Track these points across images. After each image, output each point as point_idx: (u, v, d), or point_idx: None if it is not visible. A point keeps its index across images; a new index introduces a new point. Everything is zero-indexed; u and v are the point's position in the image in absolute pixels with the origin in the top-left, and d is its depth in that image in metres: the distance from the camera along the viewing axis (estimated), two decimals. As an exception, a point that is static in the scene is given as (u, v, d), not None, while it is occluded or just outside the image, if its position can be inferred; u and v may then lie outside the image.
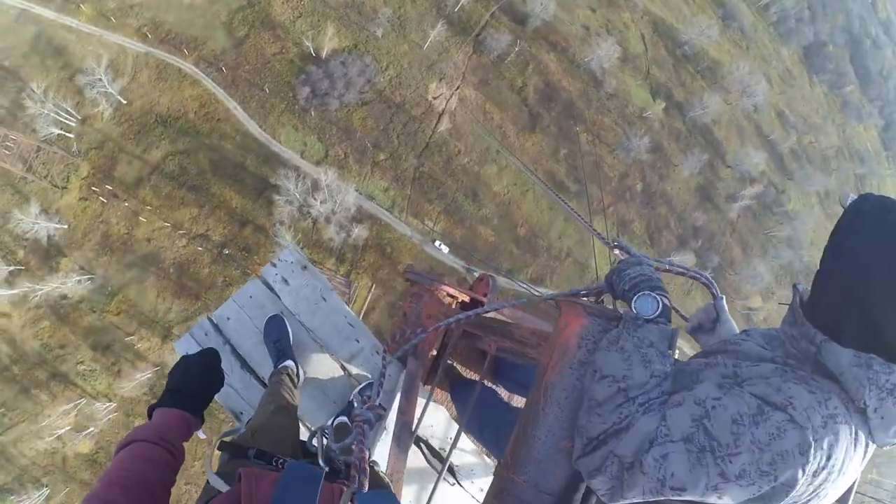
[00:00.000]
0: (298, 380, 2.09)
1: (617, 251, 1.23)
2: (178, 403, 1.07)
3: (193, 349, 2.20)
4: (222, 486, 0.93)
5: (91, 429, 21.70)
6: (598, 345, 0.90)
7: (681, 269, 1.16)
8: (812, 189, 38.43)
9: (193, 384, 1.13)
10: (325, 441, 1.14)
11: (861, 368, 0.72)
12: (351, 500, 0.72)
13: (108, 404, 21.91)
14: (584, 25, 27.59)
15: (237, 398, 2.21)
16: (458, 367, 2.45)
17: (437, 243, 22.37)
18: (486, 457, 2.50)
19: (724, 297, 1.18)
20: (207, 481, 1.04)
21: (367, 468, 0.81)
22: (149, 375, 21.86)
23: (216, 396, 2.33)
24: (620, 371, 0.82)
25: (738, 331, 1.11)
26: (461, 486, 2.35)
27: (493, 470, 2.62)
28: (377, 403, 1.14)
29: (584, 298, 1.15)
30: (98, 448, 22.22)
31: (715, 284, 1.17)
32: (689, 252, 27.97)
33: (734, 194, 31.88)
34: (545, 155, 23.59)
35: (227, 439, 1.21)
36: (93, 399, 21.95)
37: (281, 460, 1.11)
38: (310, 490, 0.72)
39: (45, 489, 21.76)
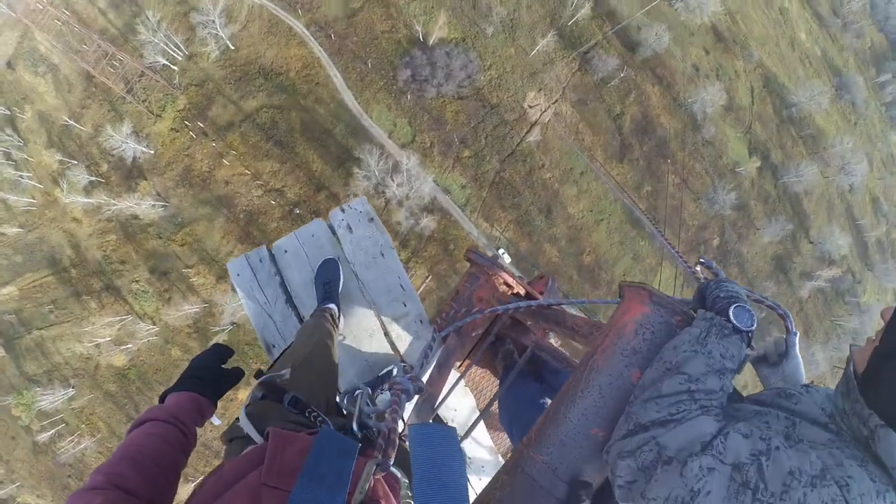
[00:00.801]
0: (338, 325, 2.07)
1: (700, 268, 1.20)
2: (192, 387, 1.07)
3: (245, 271, 2.23)
4: (252, 431, 0.94)
5: (129, 345, 22.65)
6: (655, 336, 0.86)
7: (759, 297, 1.11)
8: (890, 286, 35.59)
9: (209, 370, 1.13)
10: (358, 403, 1.10)
11: None
12: (375, 470, 0.70)
13: (151, 327, 22.82)
14: (695, 65, 26.52)
15: (273, 330, 2.18)
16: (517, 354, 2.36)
17: (500, 251, 22.06)
18: (500, 457, 2.44)
19: (798, 333, 1.14)
20: (237, 417, 1.04)
21: (397, 440, 0.76)
22: (196, 310, 22.59)
23: (253, 323, 2.14)
24: (697, 373, 0.79)
25: (803, 374, 1.09)
26: (467, 479, 2.20)
27: None
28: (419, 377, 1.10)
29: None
30: (131, 365, 23.17)
31: (791, 318, 1.12)
32: (749, 321, 26.35)
33: (810, 273, 29.87)
34: (628, 187, 22.82)
35: (266, 373, 1.20)
36: (138, 318, 22.92)
37: (314, 413, 1.10)
38: (344, 462, 0.69)
39: (71, 390, 22.86)
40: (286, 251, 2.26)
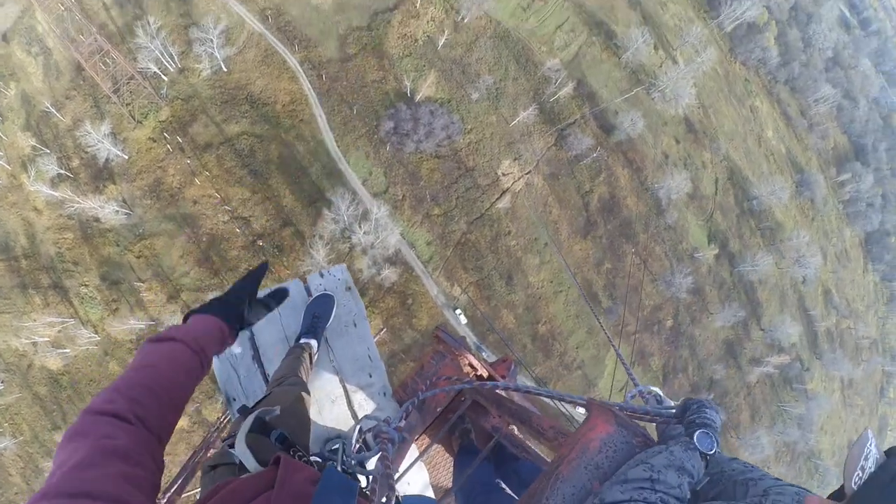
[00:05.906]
0: (313, 361, 2.10)
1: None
2: (220, 312, 1.02)
3: None
4: (249, 459, 0.95)
5: (67, 350, 21.69)
6: (617, 454, 0.94)
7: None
8: (837, 374, 37.08)
9: (241, 298, 1.09)
10: (340, 451, 1.17)
11: None
12: None
13: (93, 335, 21.94)
14: (665, 153, 28.09)
15: (236, 384, 2.17)
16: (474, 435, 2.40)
17: (457, 311, 22.20)
18: None
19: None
20: (224, 445, 1.05)
21: (395, 485, 0.83)
22: (142, 326, 21.89)
23: (217, 374, 2.20)
24: (660, 465, 0.86)
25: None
26: None
27: None
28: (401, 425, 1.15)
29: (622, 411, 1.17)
30: (65, 370, 22.10)
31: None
32: (694, 403, 27.00)
33: (759, 358, 30.98)
34: (589, 263, 23.54)
35: (252, 409, 1.21)
36: (81, 323, 22.04)
37: (299, 453, 1.12)
38: (347, 500, 0.74)
39: (0, 385, 21.61)
40: None
